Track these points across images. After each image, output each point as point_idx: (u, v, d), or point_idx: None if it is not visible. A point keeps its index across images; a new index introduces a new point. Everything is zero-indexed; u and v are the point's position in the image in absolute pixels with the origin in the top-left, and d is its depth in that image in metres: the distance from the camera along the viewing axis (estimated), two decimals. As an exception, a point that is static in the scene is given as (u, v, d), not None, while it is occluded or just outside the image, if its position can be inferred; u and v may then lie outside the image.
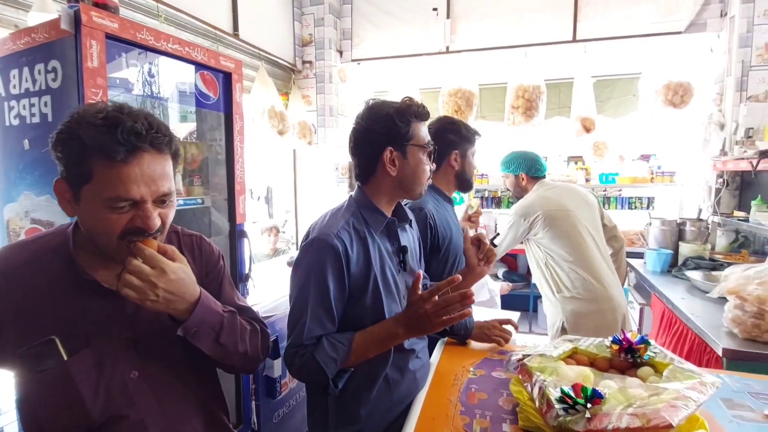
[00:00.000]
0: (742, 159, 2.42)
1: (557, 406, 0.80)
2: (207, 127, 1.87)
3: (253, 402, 1.87)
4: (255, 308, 1.04)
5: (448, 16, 3.35)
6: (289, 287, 1.03)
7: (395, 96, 1.27)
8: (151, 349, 0.82)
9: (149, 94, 1.57)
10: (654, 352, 0.96)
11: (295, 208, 3.70)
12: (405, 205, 1.22)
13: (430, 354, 1.29)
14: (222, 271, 0.99)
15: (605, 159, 3.49)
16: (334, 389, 0.97)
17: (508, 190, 2.23)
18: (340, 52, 3.63)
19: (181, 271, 0.76)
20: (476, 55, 3.39)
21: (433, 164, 1.13)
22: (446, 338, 1.40)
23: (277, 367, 1.97)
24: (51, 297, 0.75)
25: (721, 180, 2.78)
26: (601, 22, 3.10)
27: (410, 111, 1.04)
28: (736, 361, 1.56)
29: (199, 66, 1.66)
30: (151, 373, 0.81)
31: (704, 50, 3.04)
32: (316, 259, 0.97)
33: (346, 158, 3.67)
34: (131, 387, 0.78)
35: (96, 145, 0.69)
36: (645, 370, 0.93)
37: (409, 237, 1.18)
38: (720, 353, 1.60)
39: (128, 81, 1.51)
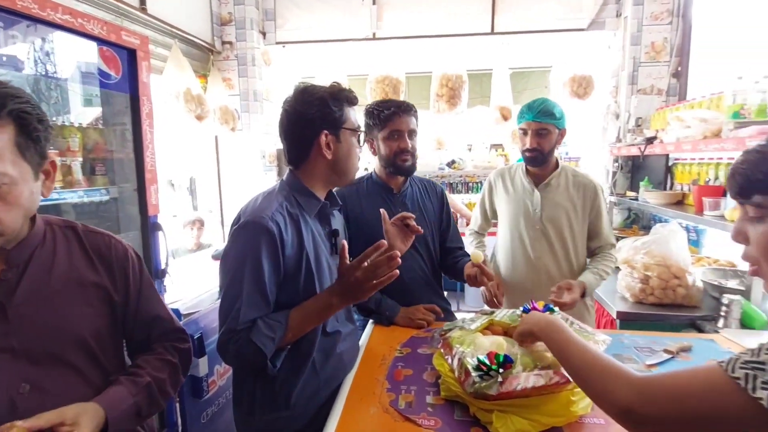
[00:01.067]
0: (633, 145, 2.74)
1: (474, 373, 0.86)
2: (113, 110, 1.69)
3: (177, 403, 1.77)
4: (176, 305, 0.98)
5: (374, 2, 3.34)
6: (219, 275, 0.99)
7: (322, 82, 1.22)
8: (42, 359, 0.73)
9: (44, 73, 1.39)
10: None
11: (219, 199, 3.51)
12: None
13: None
14: (140, 277, 0.90)
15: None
16: (273, 369, 0.96)
17: (529, 150, 1.58)
18: (263, 34, 3.46)
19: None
20: (402, 43, 3.43)
21: (362, 148, 1.15)
22: (374, 323, 1.43)
23: (203, 365, 1.87)
24: None
25: (616, 164, 3.12)
26: (516, 16, 3.29)
27: (342, 95, 1.05)
28: (627, 321, 1.79)
29: (101, 42, 1.50)
30: (44, 386, 0.73)
31: (604, 47, 3.37)
32: (251, 242, 0.94)
33: (273, 145, 3.54)
34: (20, 403, 0.70)
35: None
36: (550, 335, 1.02)
37: (339, 222, 1.19)
38: (614, 315, 1.82)
39: (17, 59, 1.32)
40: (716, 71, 2.80)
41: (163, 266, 1.70)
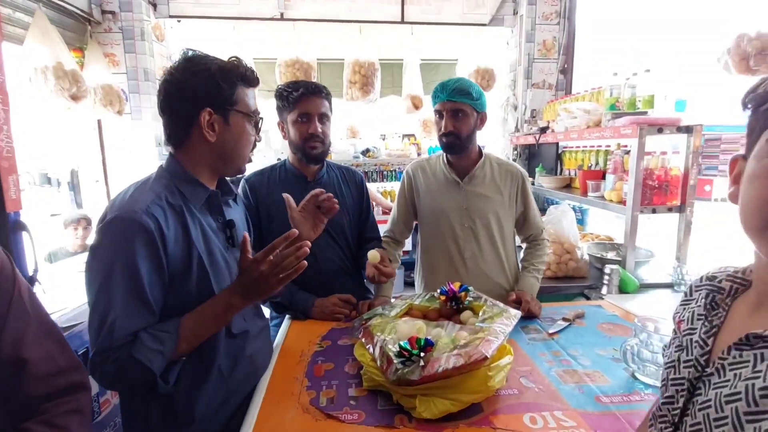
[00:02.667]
0: (529, 135, 2.99)
1: (396, 360, 0.85)
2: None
3: None
4: (54, 317, 0.79)
5: (280, -19, 3.15)
6: (85, 285, 0.82)
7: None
8: None
9: None
10: (473, 297, 1.11)
11: (107, 193, 3.07)
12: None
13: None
14: (12, 292, 0.67)
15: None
16: (165, 386, 0.83)
17: (445, 134, 1.43)
18: (154, 5, 3.07)
19: None
20: (313, 27, 3.30)
21: (260, 137, 1.04)
22: (291, 318, 1.36)
23: (94, 383, 1.63)
24: None
25: (515, 152, 3.39)
26: (424, 8, 3.36)
27: (237, 72, 0.93)
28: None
29: None
30: None
31: (503, 43, 3.61)
32: (121, 241, 0.79)
33: (170, 132, 3.18)
34: None
35: None
36: (466, 314, 1.06)
37: (236, 212, 1.07)
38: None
39: None
40: (596, 69, 3.19)
41: (30, 273, 1.42)
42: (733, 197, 0.48)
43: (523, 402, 0.89)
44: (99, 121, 2.94)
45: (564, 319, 1.30)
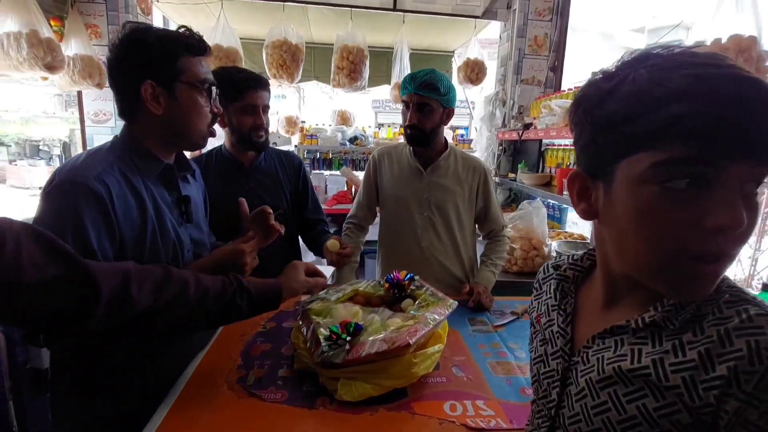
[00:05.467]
0: (514, 130, 2.98)
1: (324, 343, 0.85)
2: None
3: (11, 403, 1.52)
4: None
5: (270, -41, 3.10)
6: None
7: (210, 41, 1.06)
8: None
9: None
10: (416, 286, 1.12)
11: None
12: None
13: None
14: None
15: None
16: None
17: (409, 126, 1.43)
18: (139, -23, 3.01)
19: None
20: (303, 9, 3.25)
21: (218, 108, 1.02)
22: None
23: (46, 356, 1.63)
24: None
25: (501, 147, 3.38)
26: (417, -4, 3.32)
27: (179, 42, 0.90)
28: (493, 289, 1.95)
29: None
30: None
31: (496, 36, 3.57)
32: (67, 207, 0.78)
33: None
34: None
35: None
36: (406, 302, 1.06)
37: (193, 189, 1.07)
38: (483, 284, 1.98)
39: None
40: (586, 68, 3.17)
41: None
42: (589, 215, 0.46)
43: (449, 390, 0.89)
44: (79, 93, 2.90)
45: (512, 313, 1.31)
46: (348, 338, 0.85)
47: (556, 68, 3.37)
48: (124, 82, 0.89)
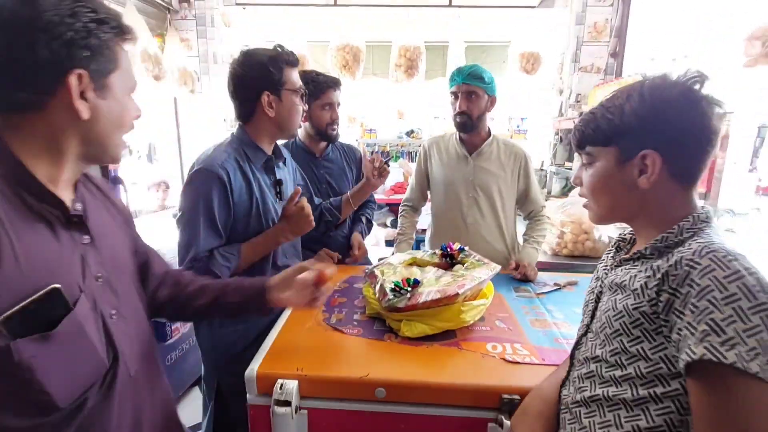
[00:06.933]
0: (571, 119, 3.01)
1: (390, 293, 1.08)
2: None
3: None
4: None
5: (335, -32, 3.36)
6: (179, 212, 1.15)
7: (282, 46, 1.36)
8: (119, 287, 0.73)
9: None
10: (465, 255, 1.30)
11: (180, 165, 3.53)
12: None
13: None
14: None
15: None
16: None
17: (459, 114, 1.62)
18: (223, -6, 3.42)
19: None
20: (363, 11, 3.49)
21: (306, 105, 1.30)
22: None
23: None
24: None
25: (557, 136, 3.40)
26: (473, -10, 3.42)
27: (282, 58, 1.19)
28: (543, 269, 2.06)
29: None
30: (124, 313, 0.73)
31: (553, 25, 3.57)
32: (203, 186, 1.11)
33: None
34: (113, 327, 0.69)
35: None
36: (457, 267, 1.26)
37: (285, 172, 1.36)
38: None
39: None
40: (649, 53, 3.09)
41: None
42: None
43: (491, 335, 1.08)
44: (175, 99, 3.38)
45: (555, 284, 1.44)
46: (409, 289, 1.06)
47: (617, 54, 3.31)
48: (247, 94, 1.19)
